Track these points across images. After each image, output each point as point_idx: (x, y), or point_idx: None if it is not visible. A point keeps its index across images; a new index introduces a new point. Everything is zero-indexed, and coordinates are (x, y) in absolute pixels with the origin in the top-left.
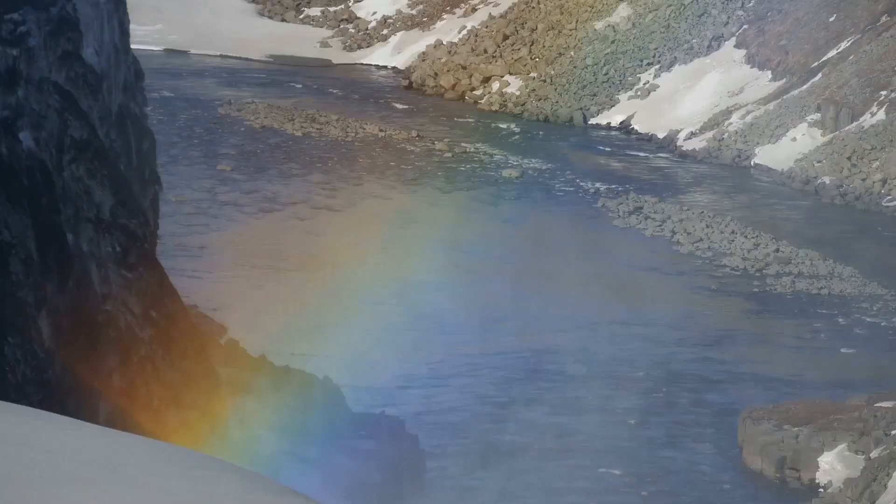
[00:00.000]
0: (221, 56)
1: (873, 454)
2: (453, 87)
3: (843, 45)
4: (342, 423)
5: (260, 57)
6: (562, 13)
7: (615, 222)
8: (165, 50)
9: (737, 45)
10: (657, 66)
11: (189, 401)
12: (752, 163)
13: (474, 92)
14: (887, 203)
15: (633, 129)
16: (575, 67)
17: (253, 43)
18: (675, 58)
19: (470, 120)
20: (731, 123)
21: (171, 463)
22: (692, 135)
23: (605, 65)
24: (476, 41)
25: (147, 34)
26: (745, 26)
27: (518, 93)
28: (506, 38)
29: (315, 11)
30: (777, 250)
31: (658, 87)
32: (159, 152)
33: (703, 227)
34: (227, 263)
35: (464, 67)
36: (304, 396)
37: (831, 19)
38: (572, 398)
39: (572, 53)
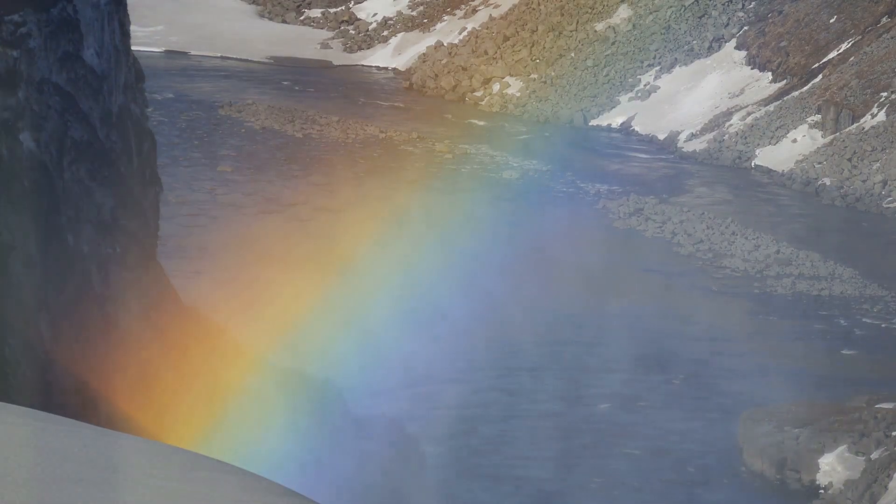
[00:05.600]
0: (222, 57)
1: (874, 455)
2: (454, 88)
3: (844, 46)
4: (342, 424)
5: (260, 58)
6: (562, 14)
7: (616, 224)
8: (166, 51)
9: (737, 47)
10: (657, 68)
11: (189, 402)
12: (752, 164)
13: (475, 93)
14: (888, 204)
15: (633, 130)
16: (575, 69)
17: (253, 44)
18: (676, 59)
19: (470, 121)
20: (731, 125)
21: (171, 464)
22: (692, 136)
23: (605, 66)
24: (476, 42)
25: (148, 35)
26: (745, 28)
27: (518, 94)
28: (506, 39)
29: (315, 13)
30: (777, 251)
31: (658, 88)
32: (160, 153)
33: (704, 228)
34: (228, 265)
35: (464, 69)
36: (304, 397)
37: (832, 20)
38: (572, 396)
39: (573, 55)
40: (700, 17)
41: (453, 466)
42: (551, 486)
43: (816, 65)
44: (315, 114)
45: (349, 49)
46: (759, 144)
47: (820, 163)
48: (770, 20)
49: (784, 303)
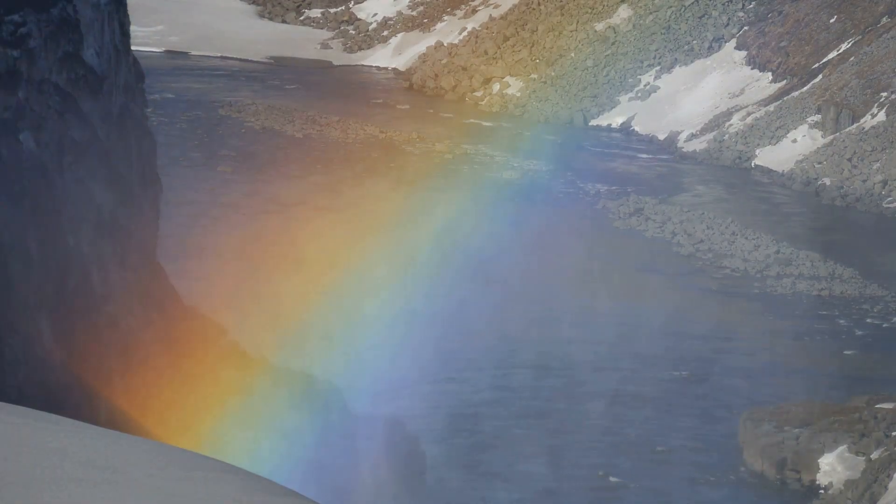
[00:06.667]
0: (222, 57)
1: (874, 455)
2: (454, 88)
3: (844, 46)
4: (342, 425)
5: (260, 58)
6: (562, 14)
7: (616, 224)
8: (166, 51)
9: (737, 47)
10: (658, 68)
11: (189, 402)
12: (752, 164)
13: (475, 93)
14: (888, 204)
15: (633, 130)
16: (575, 69)
17: (253, 44)
18: (676, 59)
19: (470, 121)
20: (731, 125)
21: (171, 464)
22: (693, 136)
23: (605, 66)
24: (476, 42)
25: (147, 35)
26: (745, 28)
27: (518, 94)
28: (506, 39)
29: (315, 13)
30: (778, 252)
31: (658, 88)
32: (160, 154)
33: (704, 228)
34: (228, 265)
35: (464, 69)
36: (303, 398)
37: (832, 21)
38: (572, 394)
39: (573, 55)
40: (700, 17)
41: (454, 464)
42: (551, 484)
43: (816, 65)
44: (315, 114)
45: (349, 49)
46: (759, 144)
47: (820, 163)
48: (770, 20)
49: (784, 303)
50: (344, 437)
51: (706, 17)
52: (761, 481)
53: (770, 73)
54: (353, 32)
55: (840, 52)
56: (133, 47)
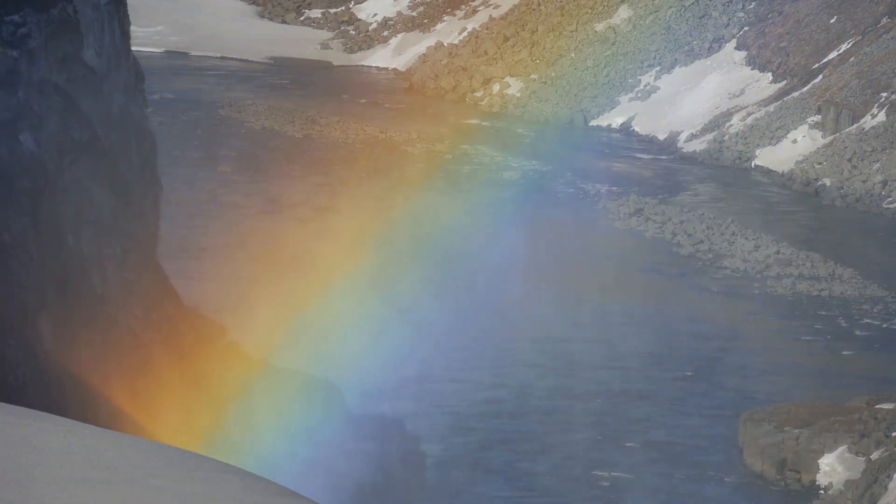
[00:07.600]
0: (222, 58)
1: (874, 456)
2: (454, 88)
3: (844, 46)
4: (342, 424)
5: (260, 59)
6: (562, 15)
7: (616, 224)
8: (166, 51)
9: (737, 47)
10: (658, 68)
11: (190, 402)
12: (752, 164)
13: (475, 93)
14: (888, 205)
15: (633, 130)
16: (575, 69)
17: (253, 45)
18: (676, 59)
19: (470, 121)
20: (731, 125)
21: (171, 464)
22: (693, 136)
23: (605, 66)
24: (476, 43)
25: (148, 36)
26: (745, 28)
27: (519, 94)
28: (506, 39)
29: (315, 13)
30: (778, 252)
31: (658, 88)
32: (160, 154)
33: (704, 228)
34: (228, 265)
35: (464, 69)
36: (303, 398)
37: (832, 21)
38: (573, 393)
39: (573, 55)
40: (700, 18)
41: (454, 462)
42: (550, 481)
43: (816, 65)
44: (315, 114)
45: (349, 49)
46: (759, 145)
47: (820, 163)
48: (770, 21)
49: (784, 303)
50: (344, 436)
51: (706, 17)
52: (761, 481)
53: (770, 74)
54: (353, 33)
55: (840, 52)
56: (133, 47)
